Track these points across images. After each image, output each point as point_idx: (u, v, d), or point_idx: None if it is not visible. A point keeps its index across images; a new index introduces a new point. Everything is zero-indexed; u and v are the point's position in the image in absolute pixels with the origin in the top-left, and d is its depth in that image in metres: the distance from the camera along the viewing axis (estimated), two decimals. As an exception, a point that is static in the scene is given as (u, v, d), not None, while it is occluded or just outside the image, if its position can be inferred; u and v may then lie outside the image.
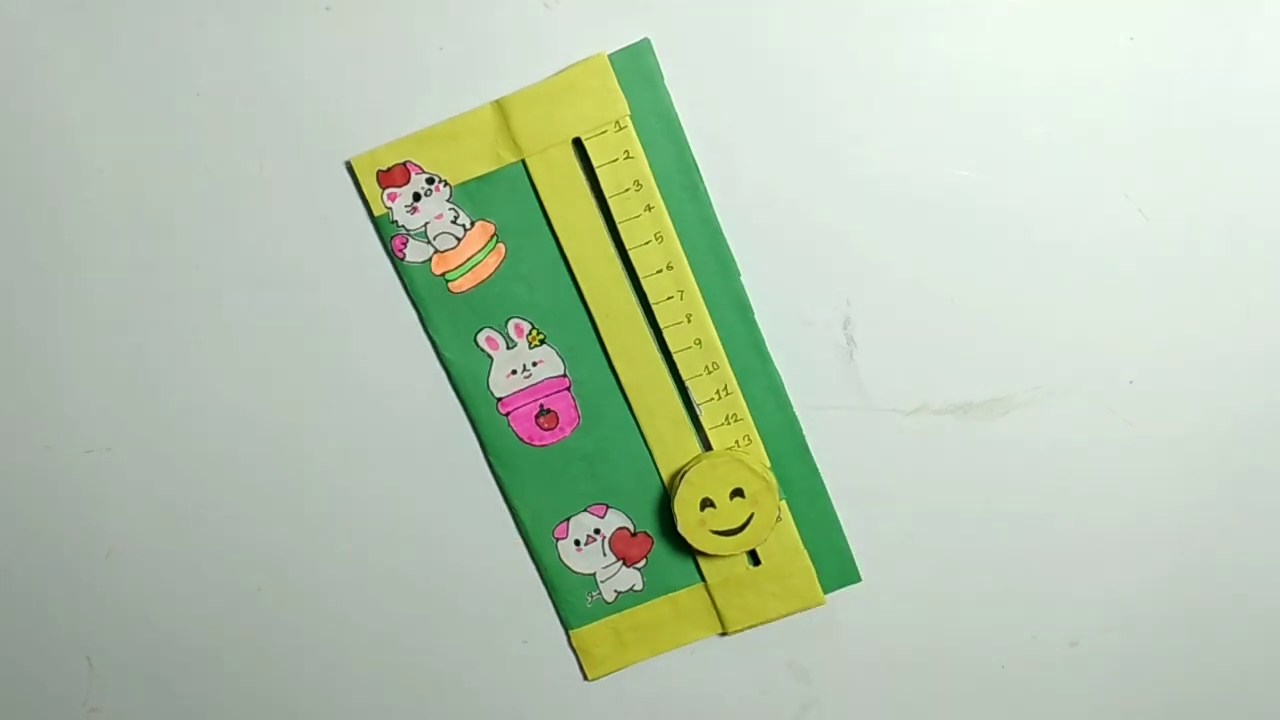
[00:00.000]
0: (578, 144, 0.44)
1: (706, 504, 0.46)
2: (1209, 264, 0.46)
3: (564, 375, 0.47)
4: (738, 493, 0.46)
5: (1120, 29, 0.45)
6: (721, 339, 0.46)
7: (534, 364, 0.46)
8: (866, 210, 0.46)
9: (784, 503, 0.47)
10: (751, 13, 0.44)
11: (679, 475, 0.46)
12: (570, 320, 0.46)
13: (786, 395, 0.47)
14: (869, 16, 0.44)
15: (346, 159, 0.45)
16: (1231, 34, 0.45)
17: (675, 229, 0.45)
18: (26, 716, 0.50)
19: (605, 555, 0.48)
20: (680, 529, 0.46)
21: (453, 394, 0.47)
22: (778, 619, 0.48)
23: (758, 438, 0.47)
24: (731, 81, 0.44)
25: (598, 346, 0.46)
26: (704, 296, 0.46)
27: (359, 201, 0.45)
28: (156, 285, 0.46)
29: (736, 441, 0.47)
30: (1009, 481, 0.47)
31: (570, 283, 0.45)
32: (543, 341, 0.46)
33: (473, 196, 0.45)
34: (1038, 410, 0.47)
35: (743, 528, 0.46)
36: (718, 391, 0.46)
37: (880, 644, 0.49)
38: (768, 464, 0.46)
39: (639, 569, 0.48)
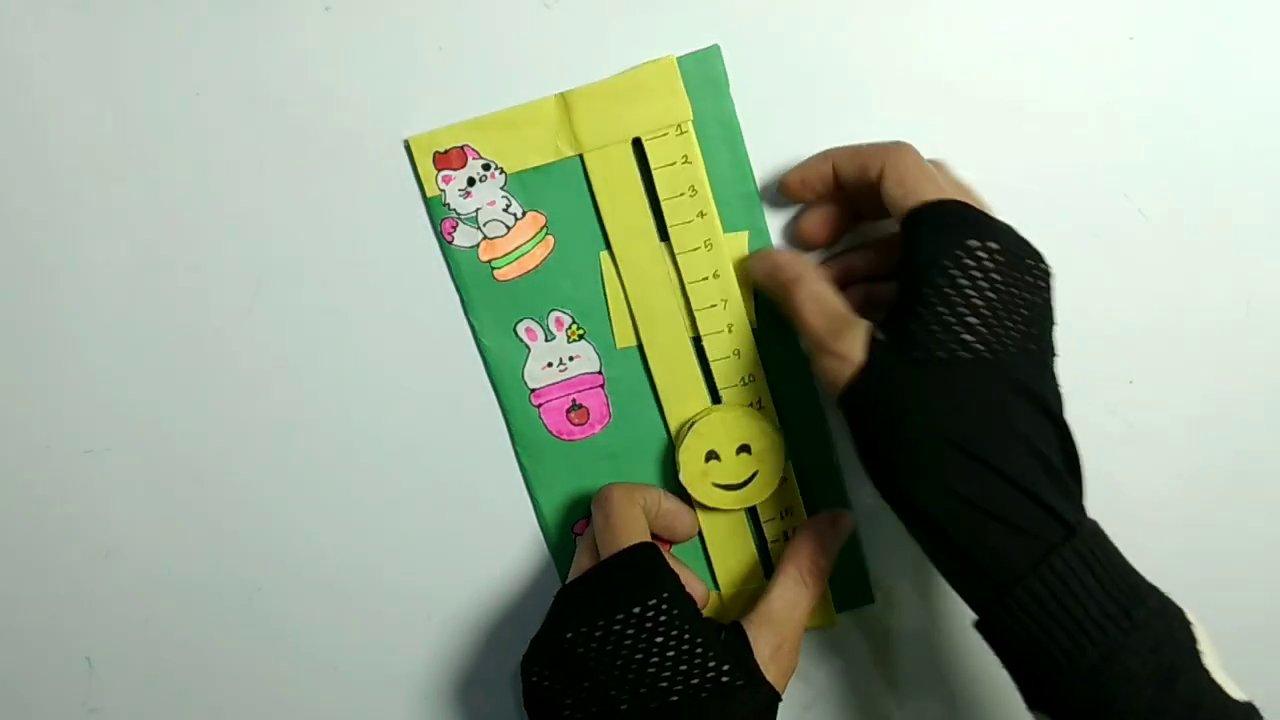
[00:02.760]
0: (637, 144, 0.44)
1: (711, 456, 0.45)
2: (1209, 264, 0.46)
3: (599, 372, 0.46)
4: (744, 448, 0.45)
5: (1120, 29, 0.45)
6: (761, 352, 0.46)
7: (570, 358, 0.46)
8: (867, 210, 0.46)
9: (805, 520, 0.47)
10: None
11: (687, 425, 0.46)
12: (610, 313, 0.46)
13: (824, 415, 0.47)
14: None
15: (404, 139, 0.44)
16: (1231, 34, 0.45)
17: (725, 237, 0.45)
18: (26, 716, 0.50)
19: None
20: (682, 478, 0.45)
21: (486, 382, 0.47)
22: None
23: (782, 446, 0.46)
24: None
25: (636, 344, 0.46)
26: (747, 308, 0.46)
27: (413, 182, 0.45)
28: (157, 284, 0.46)
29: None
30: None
31: (616, 281, 0.45)
32: (581, 337, 0.46)
33: (527, 186, 0.45)
34: (1038, 410, 0.47)
35: (745, 484, 0.46)
36: (750, 404, 0.46)
37: (880, 644, 0.49)
38: (778, 424, 0.46)
39: None
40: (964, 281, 0.35)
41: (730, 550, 0.47)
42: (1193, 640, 0.34)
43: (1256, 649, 0.49)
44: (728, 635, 0.39)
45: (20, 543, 0.48)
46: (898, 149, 0.39)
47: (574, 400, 0.46)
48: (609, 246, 0.45)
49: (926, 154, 0.45)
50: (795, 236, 0.45)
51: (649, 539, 0.40)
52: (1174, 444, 0.48)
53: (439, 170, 0.45)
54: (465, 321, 0.46)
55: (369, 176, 0.45)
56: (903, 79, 0.45)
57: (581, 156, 0.44)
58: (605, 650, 0.37)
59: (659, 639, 0.36)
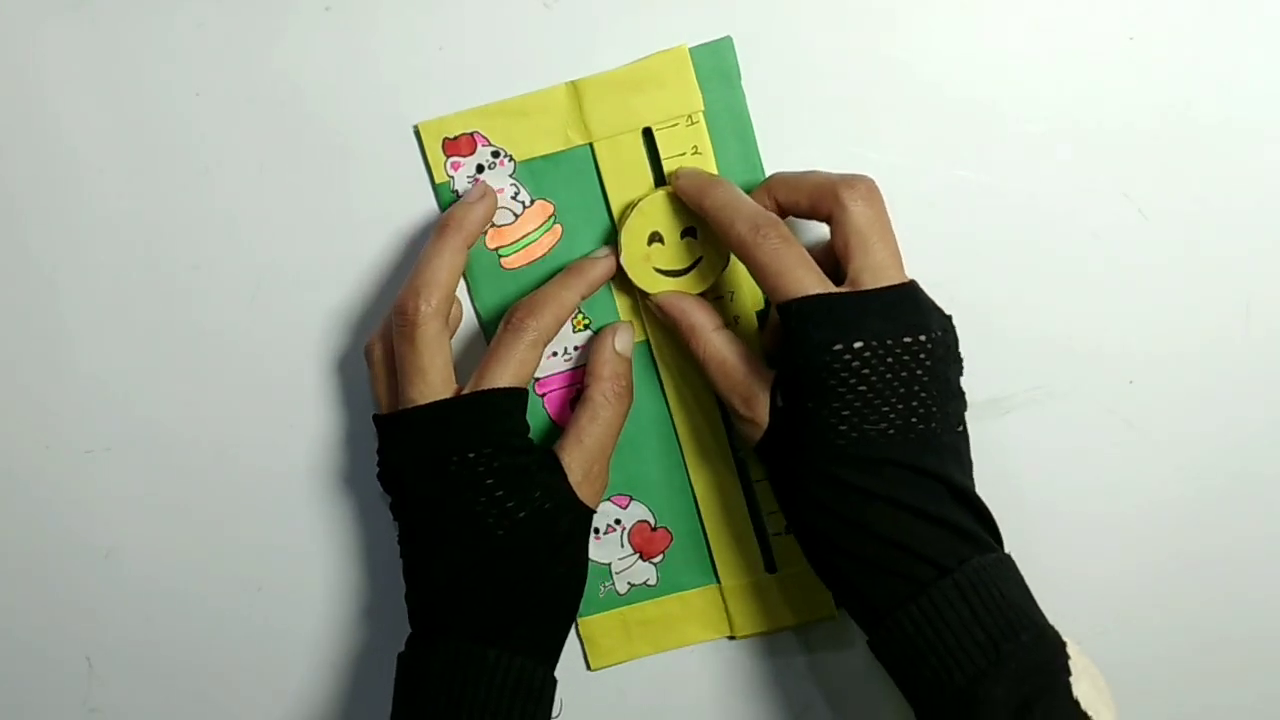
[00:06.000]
0: (647, 134, 0.44)
1: (655, 238, 0.44)
2: (1209, 264, 0.46)
3: None
4: (689, 232, 0.44)
5: (1120, 29, 0.45)
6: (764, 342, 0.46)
7: (575, 348, 0.46)
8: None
9: None
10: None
11: (631, 205, 0.44)
12: (618, 309, 0.46)
13: None
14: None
15: (414, 124, 0.45)
16: (1232, 34, 0.45)
17: None
18: (26, 716, 0.50)
19: (623, 546, 0.48)
20: (623, 260, 0.44)
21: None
22: (787, 629, 0.48)
23: None
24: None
25: (643, 337, 0.46)
26: (752, 299, 0.46)
27: (421, 169, 0.45)
28: (157, 284, 0.46)
29: None
30: (1009, 482, 0.47)
31: (622, 272, 0.45)
32: (587, 327, 0.46)
33: (535, 174, 0.45)
34: (1038, 410, 0.47)
35: (688, 270, 0.44)
36: None
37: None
38: None
39: (655, 564, 0.48)
40: (833, 382, 0.38)
41: (731, 542, 0.47)
42: (1064, 672, 0.36)
43: (1256, 649, 0.49)
44: (544, 467, 0.42)
45: (20, 543, 0.48)
46: (756, 239, 0.40)
47: (579, 390, 0.46)
48: (617, 236, 0.45)
49: (928, 151, 0.45)
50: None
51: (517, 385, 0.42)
52: (1174, 444, 0.48)
53: (448, 156, 0.45)
54: (471, 309, 0.46)
55: (373, 167, 0.45)
56: (909, 77, 0.45)
57: (591, 145, 0.44)
58: (477, 471, 0.40)
59: (489, 480, 0.40)
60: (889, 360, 0.38)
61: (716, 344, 0.43)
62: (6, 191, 0.46)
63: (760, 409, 0.41)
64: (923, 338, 0.39)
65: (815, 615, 0.48)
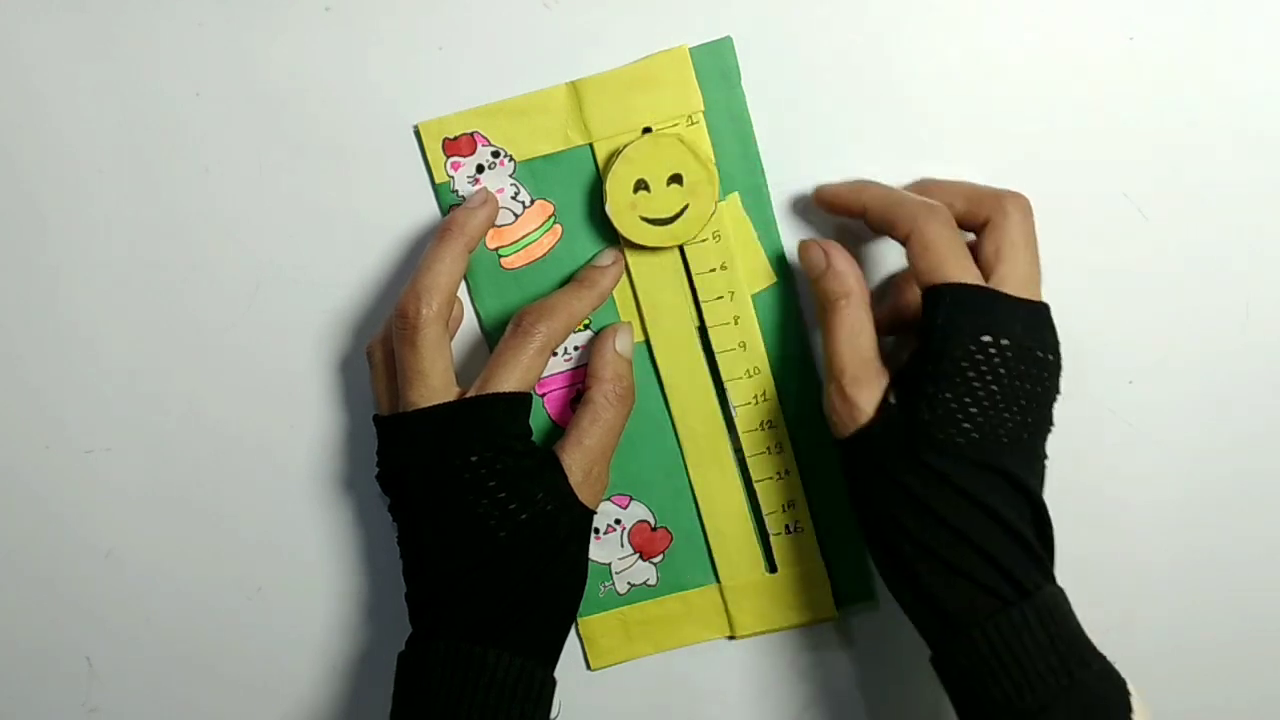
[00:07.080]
0: (647, 134, 0.44)
1: (640, 186, 0.43)
2: (1209, 264, 0.46)
3: None
4: (675, 179, 0.43)
5: (1120, 29, 0.45)
6: (766, 345, 0.46)
7: (575, 348, 0.46)
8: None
9: (808, 513, 0.47)
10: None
11: (616, 152, 0.44)
12: (618, 310, 0.46)
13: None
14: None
15: (414, 124, 0.45)
16: (1231, 34, 0.45)
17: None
18: (26, 716, 0.50)
19: (623, 546, 0.48)
20: (609, 209, 0.43)
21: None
22: (787, 629, 0.48)
23: (781, 422, 0.46)
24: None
25: (642, 338, 0.46)
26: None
27: (420, 169, 0.45)
28: (157, 284, 0.46)
29: (768, 448, 0.46)
30: (1009, 481, 0.47)
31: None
32: (587, 327, 0.46)
33: (536, 174, 0.45)
34: (1038, 410, 0.47)
35: (675, 218, 0.44)
36: (755, 397, 0.46)
37: (880, 644, 0.49)
38: (712, 156, 0.44)
39: (655, 564, 0.48)
40: (972, 374, 0.38)
41: (731, 542, 0.47)
42: (1126, 710, 0.37)
43: (1257, 649, 0.50)
44: (545, 468, 0.42)
45: (20, 543, 0.48)
46: (929, 215, 0.40)
47: (579, 390, 0.46)
48: (617, 236, 0.45)
49: (928, 151, 0.45)
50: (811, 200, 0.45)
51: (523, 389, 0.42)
52: (1174, 444, 0.48)
53: (448, 156, 0.45)
54: (471, 309, 0.46)
55: (373, 168, 0.45)
56: (909, 77, 0.45)
57: (591, 145, 0.44)
58: (480, 473, 0.41)
59: (491, 482, 0.40)
60: (1022, 367, 0.38)
61: (861, 316, 0.41)
62: (7, 191, 0.46)
63: (868, 398, 0.40)
64: (1050, 356, 0.40)
65: (815, 615, 0.48)
